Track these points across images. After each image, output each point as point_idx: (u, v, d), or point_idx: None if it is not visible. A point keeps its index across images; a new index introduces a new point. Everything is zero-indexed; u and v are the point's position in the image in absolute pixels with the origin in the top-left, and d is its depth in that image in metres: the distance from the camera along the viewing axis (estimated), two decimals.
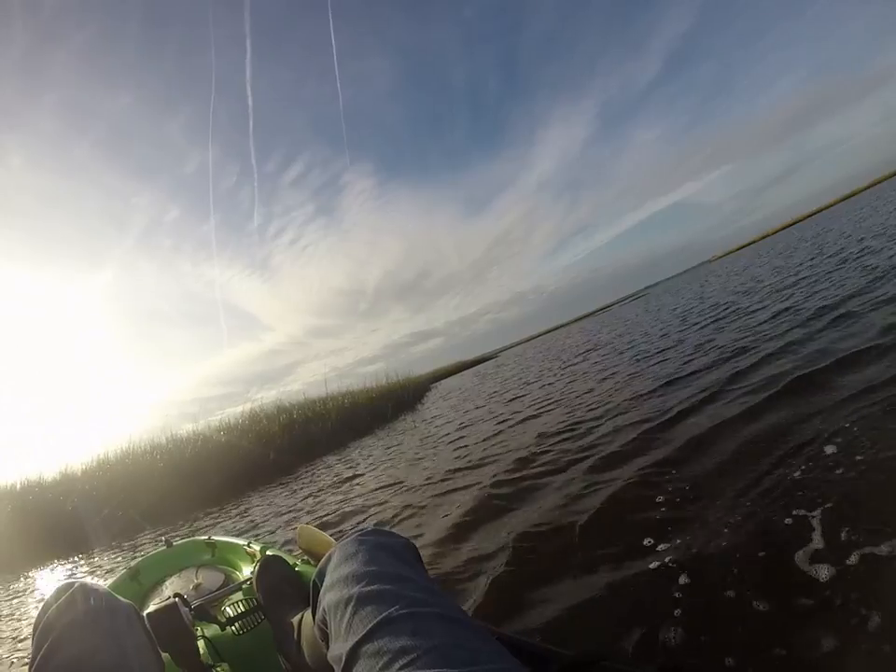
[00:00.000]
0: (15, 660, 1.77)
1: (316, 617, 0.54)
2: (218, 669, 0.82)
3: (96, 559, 3.79)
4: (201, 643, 0.83)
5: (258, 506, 3.99)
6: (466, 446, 3.45)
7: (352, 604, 0.46)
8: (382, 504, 2.61)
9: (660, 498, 1.45)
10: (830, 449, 1.34)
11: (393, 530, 0.65)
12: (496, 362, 23.72)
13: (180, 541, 1.42)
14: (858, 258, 4.79)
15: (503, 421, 3.90)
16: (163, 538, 1.52)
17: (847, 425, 1.43)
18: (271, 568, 0.94)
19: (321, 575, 0.56)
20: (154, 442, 6.82)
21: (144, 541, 3.89)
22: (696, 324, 5.28)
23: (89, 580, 0.65)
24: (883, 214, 9.12)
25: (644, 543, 1.24)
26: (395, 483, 3.01)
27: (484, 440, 3.40)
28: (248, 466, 6.17)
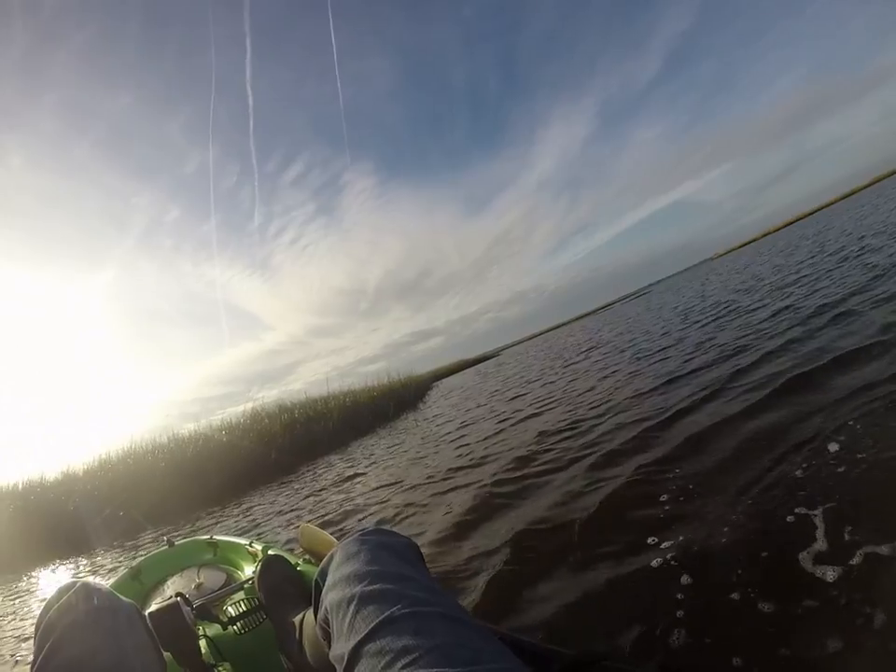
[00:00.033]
0: (19, 659, 1.78)
1: (318, 616, 0.54)
2: (220, 669, 0.82)
3: (98, 559, 3.79)
4: (202, 643, 0.83)
5: (259, 505, 3.99)
6: (467, 444, 3.45)
7: (354, 603, 0.46)
8: (383, 503, 2.61)
9: (661, 496, 1.44)
10: (832, 447, 1.33)
11: (395, 529, 0.65)
12: (497, 361, 23.68)
13: (182, 541, 1.42)
14: (858, 255, 4.79)
15: (504, 419, 3.90)
16: (165, 537, 1.52)
17: (849, 422, 1.43)
18: (272, 568, 0.94)
19: (323, 574, 0.56)
20: (156, 442, 6.84)
21: (145, 541, 3.89)
22: (697, 322, 5.28)
23: (91, 579, 0.65)
24: (884, 212, 9.10)
25: (646, 541, 1.23)
26: (396, 482, 3.01)
27: (486, 438, 3.40)
28: (250, 465, 6.16)
